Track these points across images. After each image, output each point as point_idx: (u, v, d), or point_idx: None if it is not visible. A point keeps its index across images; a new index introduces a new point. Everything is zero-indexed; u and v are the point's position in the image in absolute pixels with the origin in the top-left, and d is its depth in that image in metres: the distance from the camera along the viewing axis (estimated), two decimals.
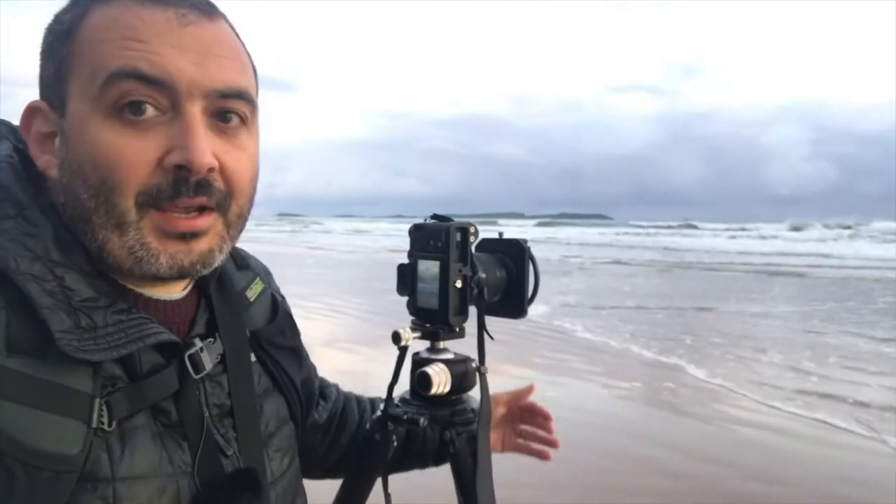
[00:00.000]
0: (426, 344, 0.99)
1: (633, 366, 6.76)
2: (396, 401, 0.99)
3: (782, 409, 5.36)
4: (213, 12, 0.69)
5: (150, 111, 0.64)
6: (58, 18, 0.69)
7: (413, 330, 0.97)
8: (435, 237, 0.96)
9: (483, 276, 0.99)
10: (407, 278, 0.98)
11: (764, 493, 3.90)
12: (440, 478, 0.97)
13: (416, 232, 0.99)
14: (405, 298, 1.00)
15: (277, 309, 0.87)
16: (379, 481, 0.98)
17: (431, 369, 0.93)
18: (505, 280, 1.03)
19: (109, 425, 0.63)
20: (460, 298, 0.96)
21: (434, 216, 1.01)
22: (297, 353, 0.89)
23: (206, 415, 0.71)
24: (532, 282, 1.04)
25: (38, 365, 0.60)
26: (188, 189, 0.65)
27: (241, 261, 0.86)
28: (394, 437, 0.97)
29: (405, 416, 0.95)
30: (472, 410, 0.95)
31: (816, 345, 7.84)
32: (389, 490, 0.98)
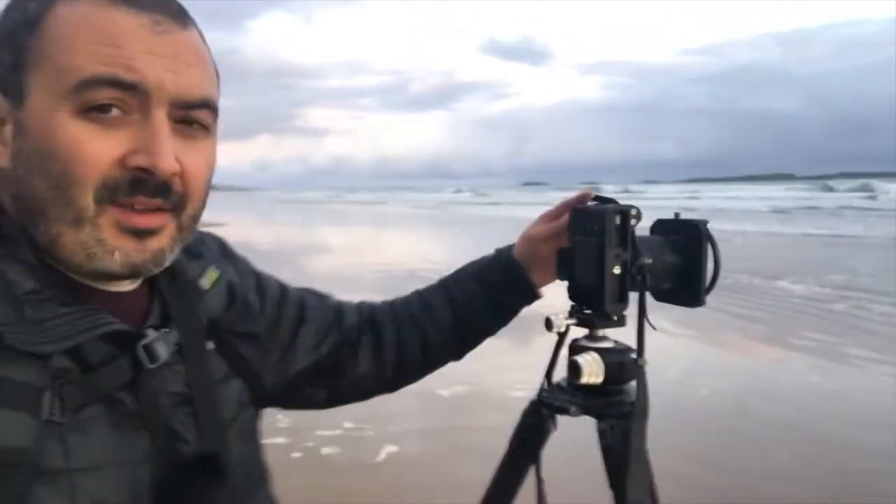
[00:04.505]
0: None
1: None
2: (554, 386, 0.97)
3: None
4: (185, 20, 0.69)
5: (115, 111, 0.64)
6: (18, 4, 0.67)
7: (571, 316, 0.95)
8: (592, 221, 0.92)
9: (648, 261, 0.92)
10: (566, 263, 0.96)
11: None
12: (594, 471, 0.94)
13: (576, 215, 0.96)
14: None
15: (235, 296, 0.84)
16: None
17: (583, 358, 0.90)
18: (678, 265, 0.95)
19: (62, 417, 0.62)
20: (619, 285, 0.91)
21: (596, 198, 0.97)
22: (257, 338, 0.87)
23: (164, 403, 0.71)
24: (711, 267, 0.95)
25: None
26: (147, 190, 0.66)
27: (193, 250, 0.83)
28: (551, 424, 0.96)
29: (556, 404, 0.93)
30: (631, 403, 0.90)
31: None
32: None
